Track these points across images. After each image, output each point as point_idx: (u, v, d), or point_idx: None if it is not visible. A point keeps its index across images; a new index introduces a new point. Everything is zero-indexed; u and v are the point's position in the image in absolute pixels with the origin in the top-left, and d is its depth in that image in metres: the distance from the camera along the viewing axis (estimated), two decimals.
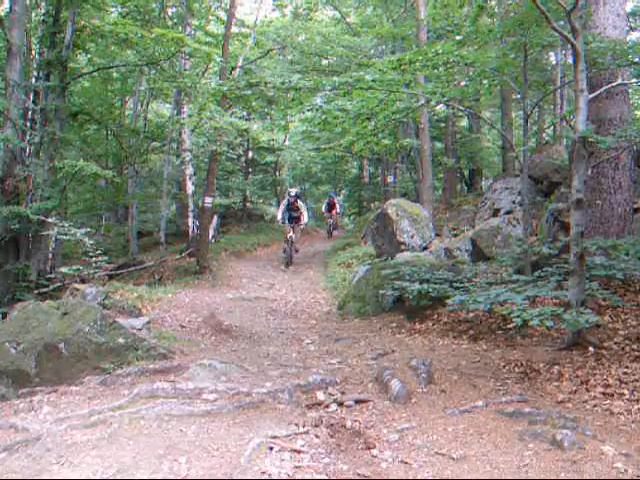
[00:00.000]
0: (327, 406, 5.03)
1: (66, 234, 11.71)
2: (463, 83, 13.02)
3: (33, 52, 18.00)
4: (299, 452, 4.00)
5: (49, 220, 12.38)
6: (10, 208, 13.07)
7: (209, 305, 12.14)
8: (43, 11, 17.26)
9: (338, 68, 24.84)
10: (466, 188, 30.22)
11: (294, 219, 19.31)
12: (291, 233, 19.11)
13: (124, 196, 21.59)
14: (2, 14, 15.79)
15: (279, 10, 30.29)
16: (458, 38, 11.91)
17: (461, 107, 14.95)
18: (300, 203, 19.60)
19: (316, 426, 4.50)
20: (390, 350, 7.32)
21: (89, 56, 20.32)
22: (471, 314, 8.69)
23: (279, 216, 19.27)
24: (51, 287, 13.38)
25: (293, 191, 19.86)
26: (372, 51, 26.87)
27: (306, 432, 4.37)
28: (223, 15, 23.74)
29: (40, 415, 5.10)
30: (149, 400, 5.06)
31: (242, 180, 30.44)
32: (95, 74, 20.32)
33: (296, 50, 27.27)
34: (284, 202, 19.59)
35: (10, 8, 14.59)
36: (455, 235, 16.08)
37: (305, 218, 19.53)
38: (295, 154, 29.69)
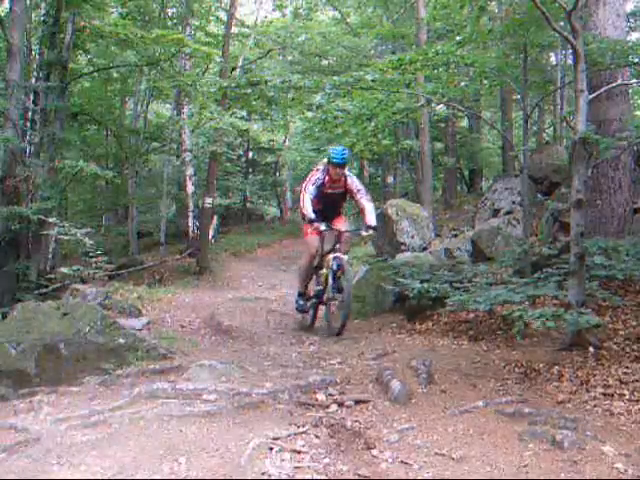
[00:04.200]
0: (327, 406, 5.02)
1: (66, 234, 11.73)
2: (463, 83, 13.02)
3: (33, 52, 18.02)
4: (299, 452, 3.99)
5: (49, 220, 12.39)
6: (10, 208, 13.10)
7: (209, 305, 12.14)
8: (43, 11, 17.30)
9: (338, 68, 24.83)
10: (466, 188, 30.25)
11: (334, 216, 9.57)
12: (338, 253, 9.02)
13: (124, 196, 21.63)
14: (2, 14, 15.80)
15: (279, 10, 30.31)
16: (458, 38, 11.92)
17: (461, 107, 14.95)
18: (353, 180, 9.55)
19: (316, 426, 4.50)
20: (390, 350, 7.32)
21: (89, 56, 20.35)
22: (471, 314, 8.69)
23: (308, 206, 9.06)
24: (51, 287, 13.39)
25: (337, 152, 9.15)
26: (372, 51, 26.87)
27: (306, 432, 4.36)
28: (223, 15, 23.77)
29: (40, 415, 5.09)
30: (149, 400, 5.06)
31: (242, 180, 30.46)
32: (95, 74, 20.36)
33: (296, 50, 27.30)
34: (314, 179, 9.31)
35: (10, 8, 14.63)
36: (455, 235, 16.09)
37: (370, 216, 9.27)
38: (295, 154, 29.69)
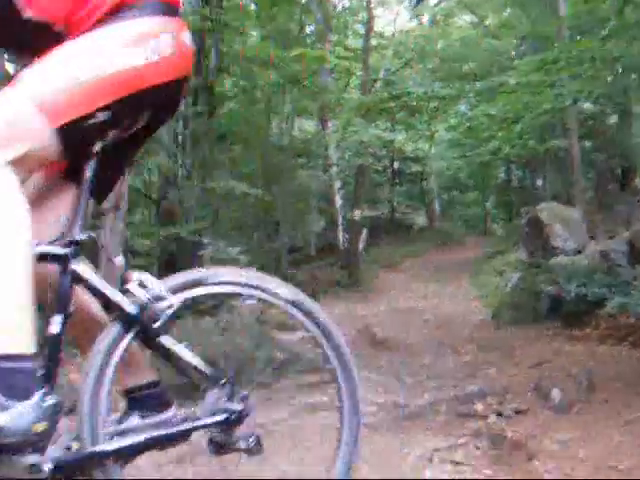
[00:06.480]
0: (486, 417, 4.98)
1: (221, 253, 12.09)
2: (610, 79, 12.60)
3: None
4: (459, 464, 3.98)
5: (204, 240, 12.81)
6: (166, 230, 13.67)
7: (362, 317, 12.22)
8: None
9: (479, 73, 24.52)
10: (619, 187, 29.19)
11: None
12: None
13: (273, 213, 22.07)
14: None
15: (416, 19, 30.27)
16: (603, 33, 11.58)
17: (610, 103, 14.48)
18: None
19: (476, 437, 4.47)
20: (547, 358, 7.17)
21: (234, 79, 20.91)
22: (632, 319, 8.38)
23: None
24: (209, 304, 13.79)
25: None
26: (513, 52, 26.40)
27: (465, 443, 4.34)
28: (360, 29, 23.95)
29: None
30: (309, 413, 5.17)
31: (389, 191, 30.54)
32: (240, 96, 20.92)
33: (436, 57, 27.17)
34: None
35: None
36: (610, 237, 15.57)
37: None
38: (441, 162, 29.50)
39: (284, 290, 2.33)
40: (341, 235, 21.38)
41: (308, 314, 2.34)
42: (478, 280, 17.25)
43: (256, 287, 2.27)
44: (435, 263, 22.58)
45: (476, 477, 3.77)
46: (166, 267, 14.69)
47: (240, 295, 2.29)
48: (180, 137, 16.45)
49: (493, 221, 35.48)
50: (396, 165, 31.93)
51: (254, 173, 22.16)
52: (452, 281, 18.05)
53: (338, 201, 21.70)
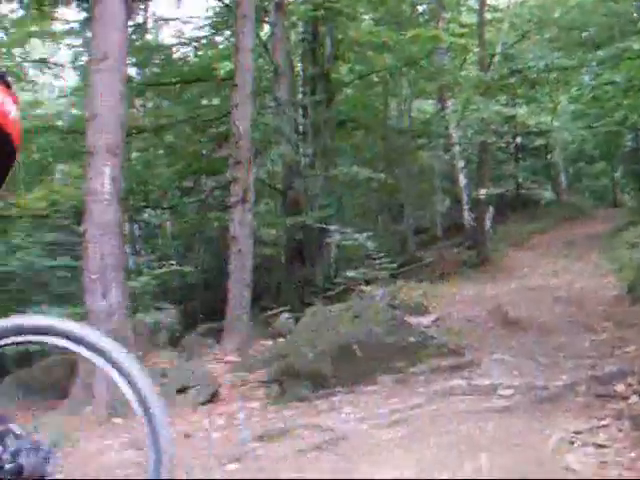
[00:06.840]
0: (627, 397, 4.83)
1: (348, 240, 12.20)
2: None
3: (296, 69, 18.88)
4: (602, 447, 3.88)
5: (330, 228, 12.96)
6: (293, 218, 13.93)
7: (492, 297, 12.05)
8: (301, 29, 18.12)
9: (600, 39, 23.70)
10: None
11: None
12: None
13: (397, 195, 22.05)
14: (264, 38, 16.70)
15: None
16: None
17: None
18: None
19: (617, 419, 4.34)
20: None
21: (349, 65, 20.96)
22: None
23: None
24: (336, 290, 13.95)
25: None
26: (635, 14, 25.37)
27: (607, 425, 4.23)
28: (474, 4, 23.53)
29: (342, 415, 5.34)
30: (445, 397, 5.16)
31: (513, 167, 29.99)
32: (357, 81, 20.97)
33: (553, 27, 26.41)
34: None
35: (271, 32, 15.51)
36: None
37: None
38: (565, 134, 28.67)
39: (92, 339, 2.09)
40: (467, 214, 21.12)
41: (115, 364, 2.07)
42: (610, 254, 16.71)
43: (63, 336, 2.10)
44: (564, 239, 21.98)
45: (619, 460, 3.67)
46: (292, 255, 15.02)
47: (45, 344, 2.15)
48: (301, 127, 16.67)
49: (622, 192, 34.27)
50: (519, 140, 31.25)
51: (376, 157, 22.19)
52: (582, 256, 17.54)
53: (462, 180, 21.42)
